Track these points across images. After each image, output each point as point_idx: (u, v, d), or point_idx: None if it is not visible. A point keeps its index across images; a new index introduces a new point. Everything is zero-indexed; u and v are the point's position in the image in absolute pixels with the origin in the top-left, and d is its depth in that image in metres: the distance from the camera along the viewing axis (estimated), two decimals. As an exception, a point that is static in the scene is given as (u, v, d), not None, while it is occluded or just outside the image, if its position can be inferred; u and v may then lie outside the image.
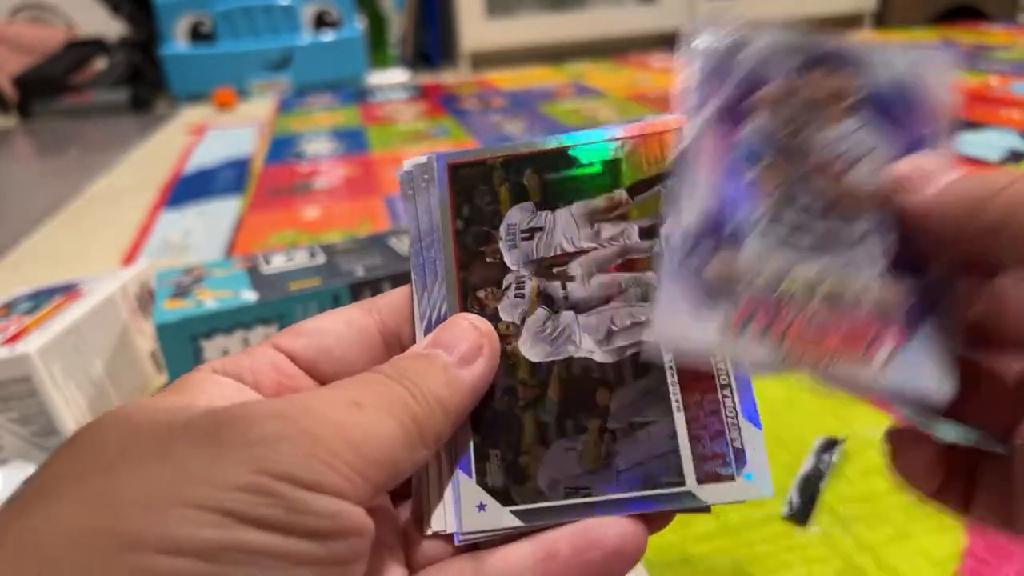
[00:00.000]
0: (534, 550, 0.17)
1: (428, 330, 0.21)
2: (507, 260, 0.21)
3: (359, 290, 0.45)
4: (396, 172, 0.23)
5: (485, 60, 2.04)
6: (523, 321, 0.21)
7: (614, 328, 0.20)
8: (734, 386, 0.19)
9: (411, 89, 1.74)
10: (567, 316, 0.21)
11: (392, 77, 1.96)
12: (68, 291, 0.48)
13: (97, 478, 0.14)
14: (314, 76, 1.81)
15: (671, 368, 0.20)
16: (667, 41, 2.13)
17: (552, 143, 0.22)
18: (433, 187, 0.22)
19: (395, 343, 0.21)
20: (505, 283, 0.21)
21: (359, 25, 1.88)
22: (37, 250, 0.85)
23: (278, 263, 0.48)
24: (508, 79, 1.74)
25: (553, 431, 0.20)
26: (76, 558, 0.13)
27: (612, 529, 0.17)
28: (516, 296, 0.21)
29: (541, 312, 0.21)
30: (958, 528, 0.34)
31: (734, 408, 0.19)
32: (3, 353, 0.39)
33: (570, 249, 0.21)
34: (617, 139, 0.22)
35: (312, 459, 0.15)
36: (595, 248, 0.21)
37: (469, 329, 0.20)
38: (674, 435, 0.19)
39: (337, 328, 0.21)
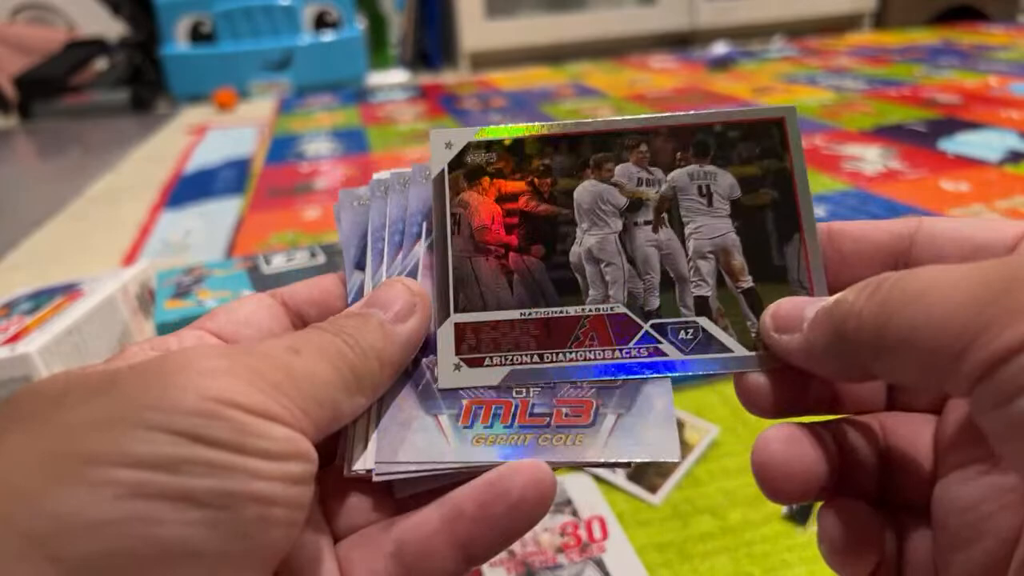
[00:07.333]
0: (442, 512, 0.18)
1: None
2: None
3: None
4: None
5: (485, 60, 2.04)
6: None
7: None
8: None
9: (411, 90, 1.74)
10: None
11: (392, 77, 1.96)
12: (69, 291, 0.48)
13: (46, 413, 0.15)
14: (314, 77, 1.81)
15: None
16: (667, 42, 2.13)
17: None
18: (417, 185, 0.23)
19: (299, 322, 0.22)
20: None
21: (359, 26, 1.89)
22: (38, 250, 0.85)
23: (279, 263, 0.49)
24: (508, 79, 1.74)
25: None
26: (36, 479, 0.13)
27: (519, 479, 0.17)
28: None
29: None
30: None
31: None
32: (4, 353, 0.39)
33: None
34: None
35: (255, 389, 0.16)
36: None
37: (403, 290, 0.20)
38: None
39: (248, 306, 0.22)
